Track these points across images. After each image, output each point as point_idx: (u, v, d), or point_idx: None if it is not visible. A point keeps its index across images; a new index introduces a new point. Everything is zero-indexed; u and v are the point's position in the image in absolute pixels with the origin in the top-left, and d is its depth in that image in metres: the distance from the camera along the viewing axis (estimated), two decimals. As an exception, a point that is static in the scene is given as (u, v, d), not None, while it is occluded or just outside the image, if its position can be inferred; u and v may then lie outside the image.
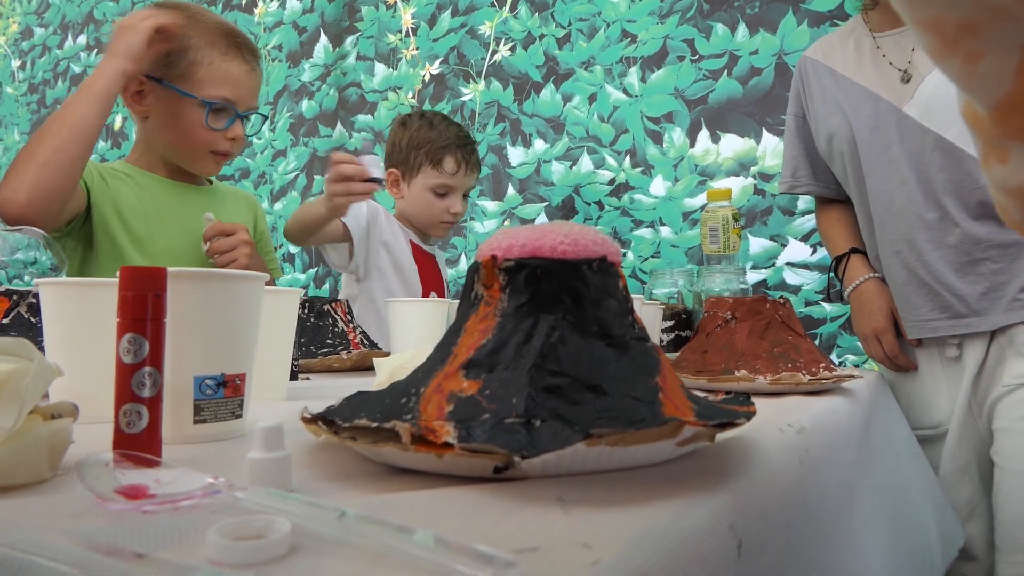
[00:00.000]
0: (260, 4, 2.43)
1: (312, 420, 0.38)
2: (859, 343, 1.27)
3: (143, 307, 0.36)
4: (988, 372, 1.03)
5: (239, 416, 0.46)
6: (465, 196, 1.52)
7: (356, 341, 0.97)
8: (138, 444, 0.36)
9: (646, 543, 0.26)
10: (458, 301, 1.08)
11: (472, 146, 1.50)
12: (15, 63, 3.12)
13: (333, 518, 0.24)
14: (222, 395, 0.44)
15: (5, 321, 0.64)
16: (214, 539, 0.22)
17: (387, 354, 0.98)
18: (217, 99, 1.10)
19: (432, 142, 1.44)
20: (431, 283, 1.54)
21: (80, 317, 0.48)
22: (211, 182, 1.28)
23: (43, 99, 3.01)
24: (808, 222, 1.54)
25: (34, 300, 0.64)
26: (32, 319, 0.64)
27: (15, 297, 0.64)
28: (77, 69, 2.91)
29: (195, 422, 0.43)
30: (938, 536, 0.93)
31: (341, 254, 1.44)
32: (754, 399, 0.71)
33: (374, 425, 0.34)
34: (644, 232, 1.72)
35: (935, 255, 1.04)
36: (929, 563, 0.86)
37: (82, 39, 2.92)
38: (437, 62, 2.07)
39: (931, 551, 0.88)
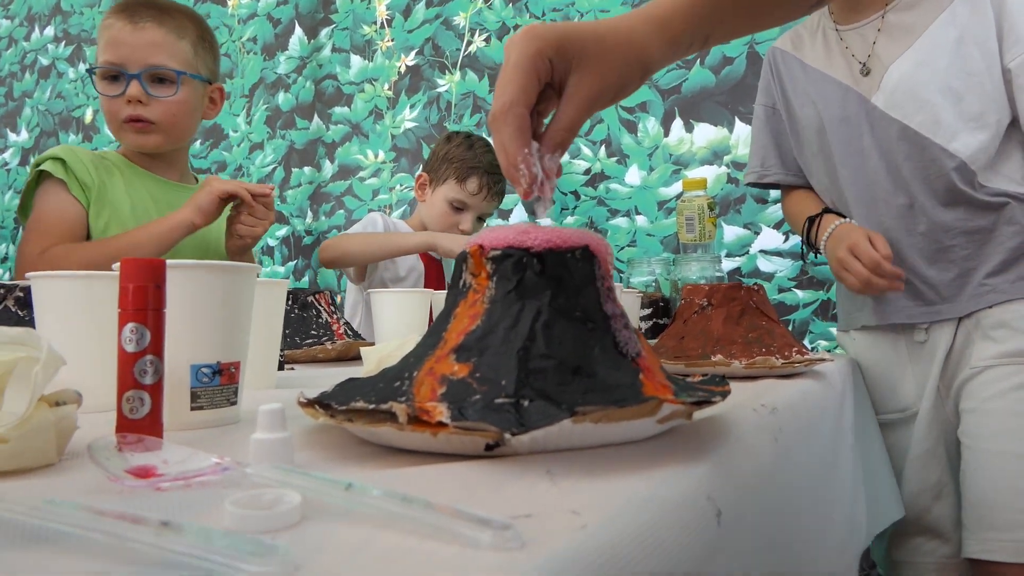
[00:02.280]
0: (233, -5, 2.41)
1: (309, 404, 0.39)
2: (836, 321, 1.29)
3: (144, 297, 0.37)
4: (956, 355, 1.06)
5: (234, 403, 0.47)
6: (480, 220, 1.61)
7: (340, 332, 0.99)
8: (141, 429, 0.37)
9: (630, 510, 0.28)
10: (441, 292, 1.09)
11: (501, 176, 1.57)
12: (-20, 55, 3.05)
13: (340, 489, 0.26)
14: (218, 383, 0.45)
15: (-9, 315, 0.64)
16: (231, 509, 0.24)
17: (371, 344, 0.99)
18: (101, 65, 1.10)
19: (465, 160, 1.54)
20: (435, 287, 1.57)
21: (73, 309, 0.49)
22: (197, 180, 1.27)
23: (11, 92, 2.95)
24: (781, 210, 1.58)
25: (21, 294, 0.65)
26: (20, 312, 0.64)
27: (2, 291, 0.65)
28: (45, 61, 2.86)
29: (192, 409, 0.44)
30: (865, 507, 0.97)
31: (359, 269, 1.57)
32: (730, 382, 0.74)
33: (371, 407, 0.36)
34: (620, 221, 1.75)
35: (906, 243, 1.06)
36: (861, 533, 0.90)
37: (49, 31, 2.86)
38: (412, 53, 2.08)
39: (859, 522, 0.92)
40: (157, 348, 0.38)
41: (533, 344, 0.39)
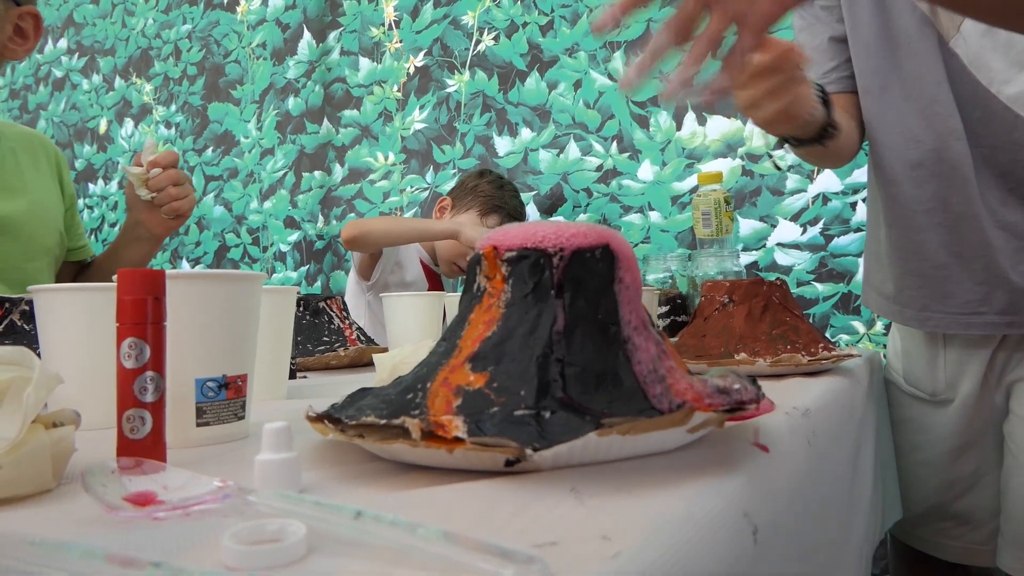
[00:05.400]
0: (243, 2, 2.40)
1: (318, 419, 0.38)
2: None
3: (143, 311, 0.35)
4: (1009, 348, 0.94)
5: (242, 417, 0.45)
6: None
7: (353, 337, 0.97)
8: (142, 450, 0.35)
9: (664, 534, 0.26)
10: (453, 294, 1.07)
11: (520, 222, 1.62)
12: (-7, 68, 3.07)
13: (349, 519, 0.24)
14: (224, 397, 0.43)
15: (-2, 330, 0.63)
16: (230, 545, 0.22)
17: (384, 350, 0.97)
18: None
19: (492, 197, 1.59)
20: None
21: (76, 323, 0.47)
22: None
23: (25, 104, 2.97)
24: (797, 201, 1.54)
25: (27, 308, 0.63)
26: (26, 326, 0.63)
27: (7, 305, 0.64)
28: (59, 73, 2.87)
29: (198, 425, 0.43)
30: (883, 504, 0.94)
31: (366, 265, 1.58)
32: (761, 385, 0.71)
33: (382, 422, 0.34)
34: (633, 218, 1.72)
35: (986, 235, 0.86)
36: (875, 532, 0.87)
37: (63, 43, 2.87)
38: (421, 54, 2.06)
39: (877, 520, 0.88)
40: (158, 364, 0.36)
41: (553, 350, 0.36)
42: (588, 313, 0.39)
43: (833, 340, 1.51)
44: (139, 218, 0.96)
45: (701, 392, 0.38)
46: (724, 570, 0.28)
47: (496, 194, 1.60)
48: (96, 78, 2.77)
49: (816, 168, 1.53)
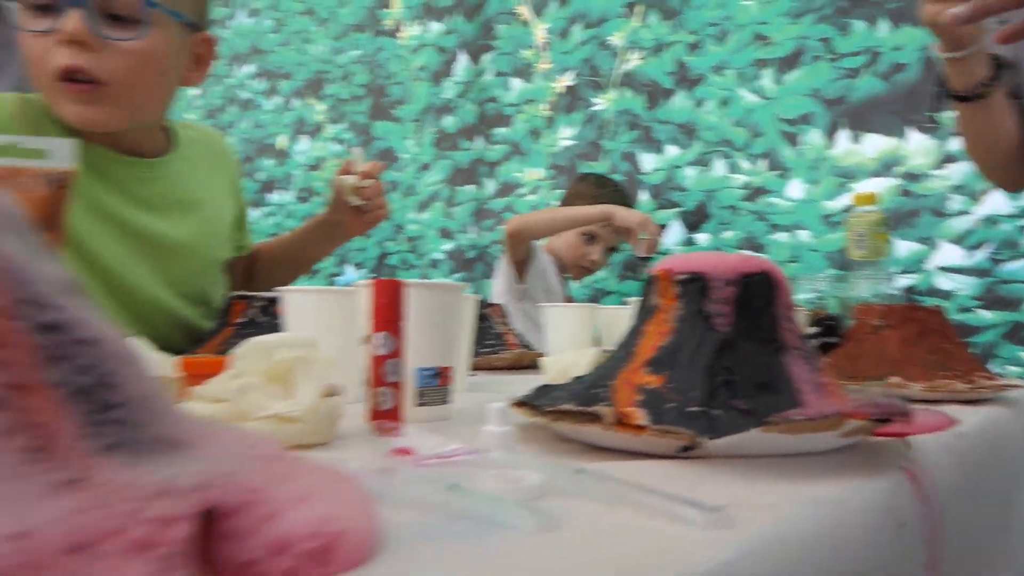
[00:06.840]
0: (404, 29, 2.62)
1: (522, 404, 0.46)
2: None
3: (393, 311, 0.45)
4: None
5: (448, 401, 0.55)
6: (611, 250, 1.76)
7: (512, 342, 1.07)
8: (388, 417, 0.45)
9: (821, 509, 0.32)
10: (604, 306, 1.13)
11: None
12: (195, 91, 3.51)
13: (571, 473, 0.32)
14: (437, 383, 0.53)
15: (241, 320, 0.78)
16: (491, 482, 0.31)
17: (540, 354, 1.06)
18: None
19: (596, 196, 1.72)
20: None
21: (321, 318, 0.59)
22: (170, 135, 0.92)
23: (218, 123, 3.37)
24: (961, 222, 1.48)
25: (263, 303, 0.78)
26: (263, 319, 0.77)
27: (248, 300, 0.78)
28: (246, 95, 3.25)
29: (417, 405, 0.53)
30: None
31: (518, 269, 1.71)
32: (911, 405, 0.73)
33: (578, 409, 0.42)
34: (780, 236, 1.71)
35: None
36: None
37: (249, 68, 3.25)
38: (570, 74, 2.15)
39: None
40: (400, 352, 0.46)
41: (718, 361, 0.43)
42: (750, 330, 0.45)
43: (998, 372, 1.43)
44: (342, 220, 1.02)
45: (854, 403, 0.43)
46: (873, 549, 0.33)
47: (599, 192, 1.71)
48: (277, 99, 3.10)
49: (983, 188, 1.47)
